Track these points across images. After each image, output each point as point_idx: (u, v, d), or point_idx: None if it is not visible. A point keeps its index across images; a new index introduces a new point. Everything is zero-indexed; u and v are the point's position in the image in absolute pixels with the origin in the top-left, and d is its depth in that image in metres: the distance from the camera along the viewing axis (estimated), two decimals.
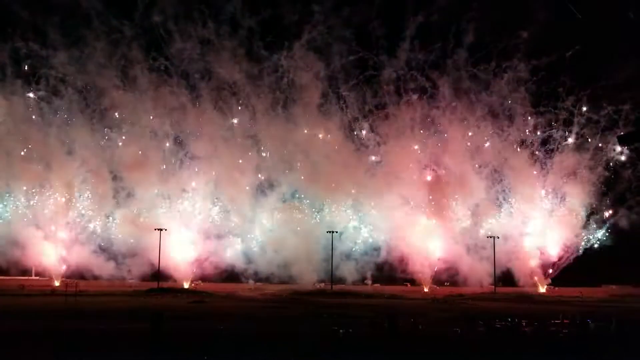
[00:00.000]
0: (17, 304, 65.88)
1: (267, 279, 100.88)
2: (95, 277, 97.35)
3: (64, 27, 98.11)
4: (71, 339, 40.18)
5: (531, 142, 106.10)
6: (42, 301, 69.68)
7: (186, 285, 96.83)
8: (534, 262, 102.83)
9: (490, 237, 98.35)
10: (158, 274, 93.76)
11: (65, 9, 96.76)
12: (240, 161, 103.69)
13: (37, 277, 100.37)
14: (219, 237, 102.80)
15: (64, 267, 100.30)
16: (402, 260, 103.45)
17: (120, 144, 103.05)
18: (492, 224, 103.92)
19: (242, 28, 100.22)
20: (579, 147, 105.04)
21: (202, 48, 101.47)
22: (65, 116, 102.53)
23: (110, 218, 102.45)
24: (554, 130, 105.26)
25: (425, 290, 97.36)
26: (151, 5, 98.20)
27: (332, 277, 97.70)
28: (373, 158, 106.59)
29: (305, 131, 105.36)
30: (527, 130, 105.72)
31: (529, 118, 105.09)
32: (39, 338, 40.25)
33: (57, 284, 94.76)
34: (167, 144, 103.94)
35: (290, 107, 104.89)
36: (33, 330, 43.53)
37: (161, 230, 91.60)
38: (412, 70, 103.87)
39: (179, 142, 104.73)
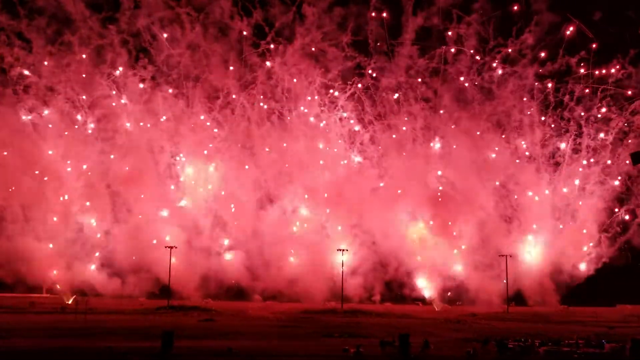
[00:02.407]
0: (27, 321, 65.86)
1: (274, 297, 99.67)
2: (98, 294, 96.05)
3: (49, 33, 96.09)
4: (81, 356, 40.08)
5: (539, 155, 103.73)
6: (52, 319, 69.56)
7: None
8: (545, 281, 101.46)
9: (502, 255, 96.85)
10: (168, 292, 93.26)
11: (49, 14, 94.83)
12: (238, 174, 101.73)
13: (48, 295, 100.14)
14: (221, 253, 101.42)
15: (64, 285, 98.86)
16: (410, 278, 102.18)
17: (113, 156, 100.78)
18: (501, 240, 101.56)
19: (232, 29, 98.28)
20: (588, 160, 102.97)
21: (193, 55, 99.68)
22: (54, 126, 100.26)
23: (110, 234, 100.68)
24: (563, 142, 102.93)
25: (437, 309, 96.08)
26: (137, 8, 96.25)
27: (342, 296, 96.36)
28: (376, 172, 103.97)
29: (304, 143, 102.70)
30: (534, 142, 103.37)
31: (536, 129, 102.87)
32: (49, 356, 40.14)
33: (69, 301, 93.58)
34: (163, 157, 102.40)
35: (286, 117, 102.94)
36: (43, 347, 43.46)
37: (171, 248, 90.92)
38: (412, 78, 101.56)
39: (175, 156, 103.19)
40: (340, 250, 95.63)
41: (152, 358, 39.27)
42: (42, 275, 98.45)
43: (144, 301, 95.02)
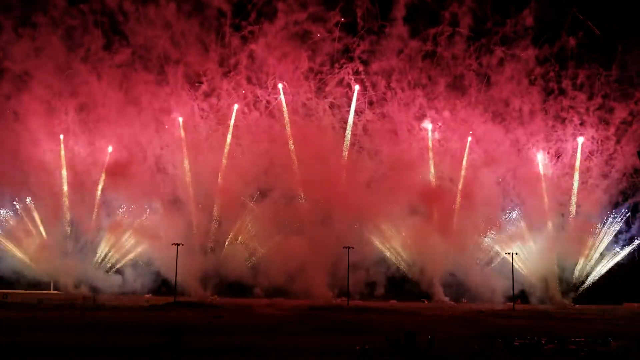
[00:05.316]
0: (35, 317, 66.26)
1: (277, 293, 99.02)
2: (97, 291, 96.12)
3: (18, 13, 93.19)
4: (89, 353, 40.44)
5: (541, 148, 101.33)
6: (60, 315, 69.98)
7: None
8: (550, 278, 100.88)
9: (508, 253, 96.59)
10: (175, 289, 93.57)
11: None
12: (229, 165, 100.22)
13: (56, 292, 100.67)
14: (217, 249, 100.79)
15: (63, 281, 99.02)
16: (413, 275, 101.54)
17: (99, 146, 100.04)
18: (503, 238, 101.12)
19: (210, 7, 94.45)
20: (591, 152, 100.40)
21: (171, 37, 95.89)
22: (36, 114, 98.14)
23: (104, 229, 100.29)
24: (564, 132, 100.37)
25: (443, 306, 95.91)
26: None
27: (349, 293, 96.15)
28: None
29: (293, 132, 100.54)
30: (534, 132, 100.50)
31: (537, 118, 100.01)
32: (56, 352, 40.46)
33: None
34: (151, 148, 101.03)
35: (273, 105, 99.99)
36: (50, 343, 43.79)
37: (178, 245, 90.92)
38: (403, 62, 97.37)
39: (163, 148, 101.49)
40: (346, 247, 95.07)
41: (161, 354, 39.53)
42: (41, 271, 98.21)
43: (149, 298, 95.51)
